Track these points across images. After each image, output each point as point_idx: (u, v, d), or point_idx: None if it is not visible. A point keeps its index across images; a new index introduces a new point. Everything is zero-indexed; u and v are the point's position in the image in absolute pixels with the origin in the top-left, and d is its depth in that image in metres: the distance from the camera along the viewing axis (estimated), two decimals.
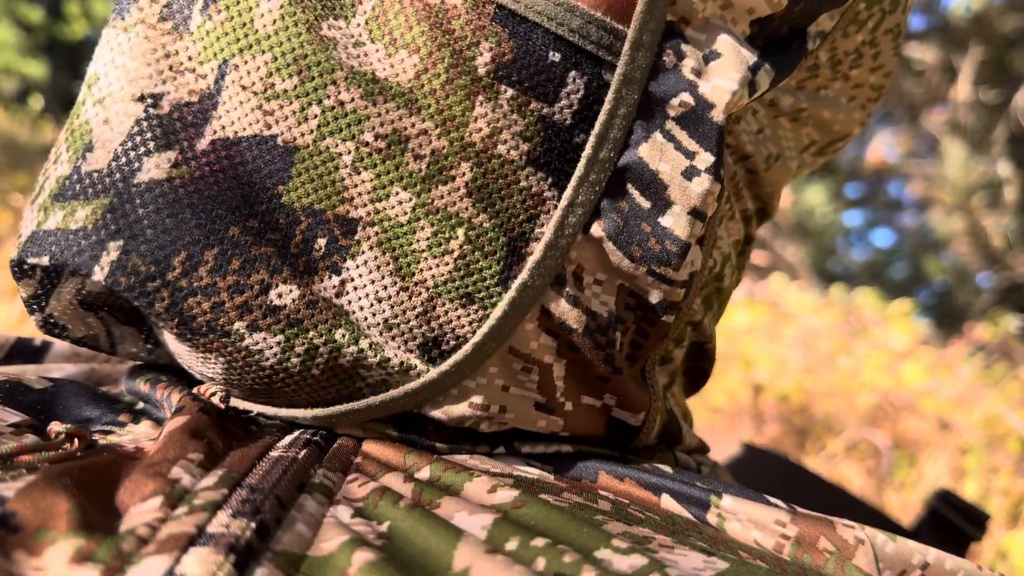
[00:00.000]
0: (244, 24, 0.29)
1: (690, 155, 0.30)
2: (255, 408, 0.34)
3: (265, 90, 0.29)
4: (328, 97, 0.28)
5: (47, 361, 0.42)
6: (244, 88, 0.29)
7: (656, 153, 0.30)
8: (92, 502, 0.24)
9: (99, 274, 0.28)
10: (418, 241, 0.29)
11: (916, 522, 0.72)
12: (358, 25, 0.29)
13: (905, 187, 6.48)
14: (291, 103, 0.28)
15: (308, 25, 0.29)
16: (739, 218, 0.41)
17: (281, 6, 0.29)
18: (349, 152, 0.29)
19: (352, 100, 0.29)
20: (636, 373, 0.36)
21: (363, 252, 0.29)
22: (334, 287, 0.30)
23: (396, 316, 0.30)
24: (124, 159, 0.28)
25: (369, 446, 0.32)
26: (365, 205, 0.29)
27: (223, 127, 0.29)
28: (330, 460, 0.30)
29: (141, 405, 0.36)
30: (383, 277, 0.30)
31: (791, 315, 2.68)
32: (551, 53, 0.29)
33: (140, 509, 0.24)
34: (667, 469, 0.34)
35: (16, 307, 1.69)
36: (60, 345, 0.43)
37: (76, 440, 0.28)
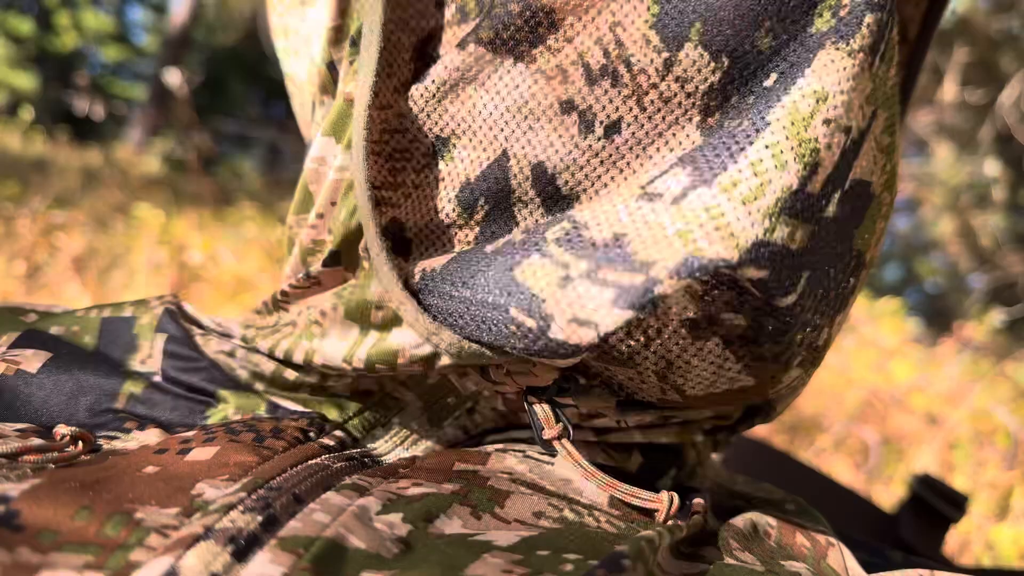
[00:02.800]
0: (885, 81, 0.30)
1: None
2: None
3: (880, 143, 0.31)
4: (893, 159, 0.32)
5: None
6: (875, 138, 0.31)
7: None
8: (102, 508, 0.24)
9: (789, 299, 0.28)
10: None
11: (898, 506, 0.73)
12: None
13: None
14: (882, 159, 0.31)
15: (896, 92, 0.32)
16: None
17: (894, 74, 0.31)
18: (887, 203, 0.33)
19: (896, 163, 0.33)
20: None
21: (859, 289, 0.34)
22: (839, 323, 0.33)
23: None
24: (826, 189, 0.28)
25: (423, 461, 0.32)
26: (874, 249, 0.33)
27: (859, 169, 0.30)
28: (372, 471, 0.30)
29: (152, 369, 0.35)
30: (847, 310, 0.34)
31: None
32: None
33: (156, 513, 0.24)
34: None
35: None
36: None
37: (81, 443, 0.28)
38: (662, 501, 0.30)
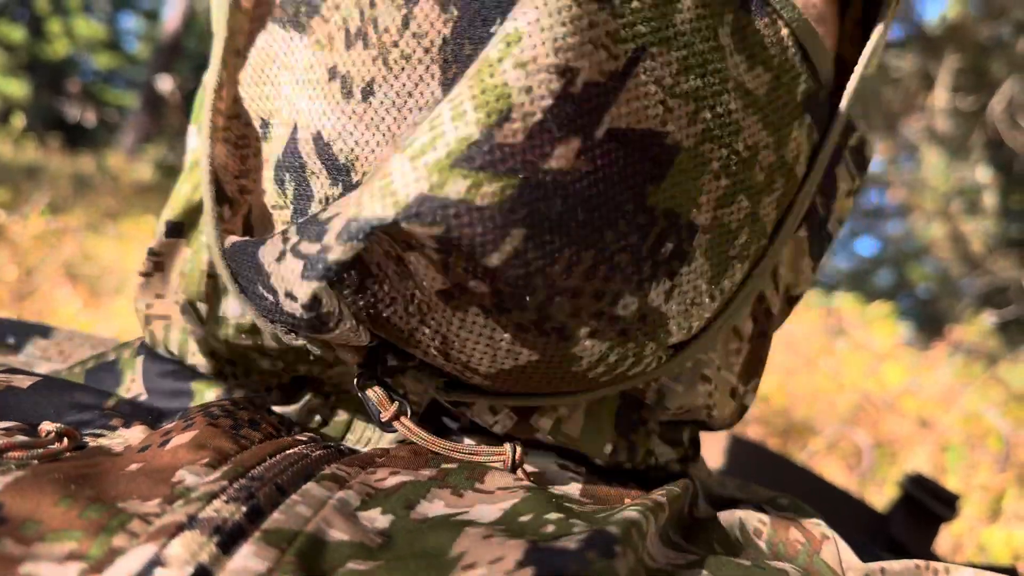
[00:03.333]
0: (666, 15, 0.27)
1: (853, 179, 0.38)
2: (462, 398, 0.32)
3: (673, 86, 0.27)
4: (720, 105, 0.28)
5: (23, 353, 0.42)
6: (656, 80, 0.27)
7: (842, 174, 0.37)
8: (84, 497, 0.24)
9: (495, 259, 0.26)
10: (734, 248, 0.31)
11: (891, 505, 0.73)
12: (726, 35, 0.29)
13: (885, 194, 6.52)
14: (688, 104, 0.28)
15: (713, 31, 0.28)
16: None
17: (696, 6, 0.28)
18: (720, 159, 0.29)
19: (736, 110, 0.29)
20: None
21: (696, 258, 0.29)
22: (665, 292, 0.29)
23: (699, 321, 0.32)
24: (539, 139, 0.25)
25: (397, 450, 0.32)
26: (709, 211, 0.29)
27: (620, 116, 0.27)
28: (350, 460, 0.30)
29: (137, 394, 0.35)
30: (701, 283, 0.30)
31: None
32: (821, 93, 0.34)
33: (138, 505, 0.24)
34: None
35: None
36: (59, 333, 0.43)
37: (66, 439, 0.28)
38: (506, 452, 0.30)
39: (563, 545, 0.23)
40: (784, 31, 0.30)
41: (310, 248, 0.26)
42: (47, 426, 0.28)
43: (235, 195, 0.34)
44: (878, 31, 0.34)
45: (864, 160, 0.39)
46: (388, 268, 0.28)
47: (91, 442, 0.29)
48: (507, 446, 0.31)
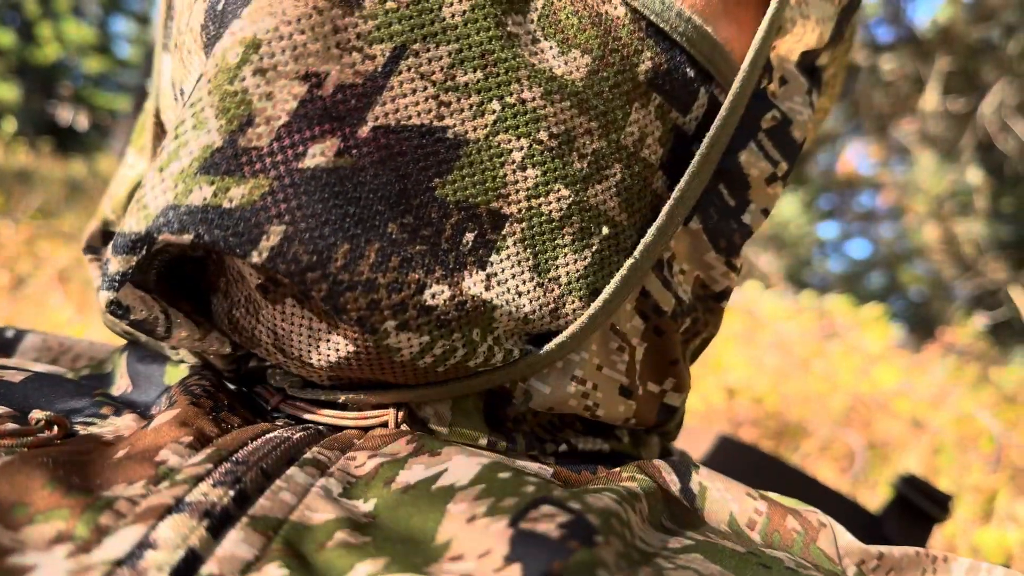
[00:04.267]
0: (431, 10, 0.27)
1: (775, 163, 0.35)
2: (332, 410, 0.33)
3: (445, 80, 0.27)
4: (511, 95, 0.28)
5: (18, 354, 0.42)
6: (422, 76, 0.27)
7: (751, 159, 0.34)
8: (72, 480, 0.24)
9: (256, 258, 0.26)
10: (563, 237, 0.30)
11: (884, 506, 0.73)
12: (532, 21, 0.29)
13: (877, 197, 6.54)
14: (470, 97, 0.28)
15: (496, 20, 0.28)
16: None
17: None
18: (521, 149, 0.29)
19: (534, 99, 0.29)
20: (687, 357, 0.39)
21: (507, 247, 0.29)
22: (482, 282, 0.29)
23: (533, 311, 0.31)
24: (288, 140, 0.26)
25: (375, 432, 0.32)
26: (520, 202, 0.29)
27: (386, 113, 0.27)
28: (329, 441, 0.30)
29: (125, 390, 0.36)
30: (523, 272, 0.30)
31: (766, 322, 2.70)
32: (689, 69, 0.32)
33: (124, 489, 0.24)
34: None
35: None
36: (31, 339, 0.43)
37: (56, 427, 0.28)
38: (390, 413, 0.32)
39: (544, 530, 0.23)
40: (617, 10, 0.30)
41: (104, 258, 0.28)
42: (37, 414, 0.28)
43: None
44: (775, 2, 0.33)
45: (790, 141, 0.35)
46: (232, 271, 0.29)
47: (81, 430, 0.29)
48: (391, 410, 0.32)
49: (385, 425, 0.32)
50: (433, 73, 0.27)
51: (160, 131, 0.36)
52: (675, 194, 0.32)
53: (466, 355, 0.30)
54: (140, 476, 0.24)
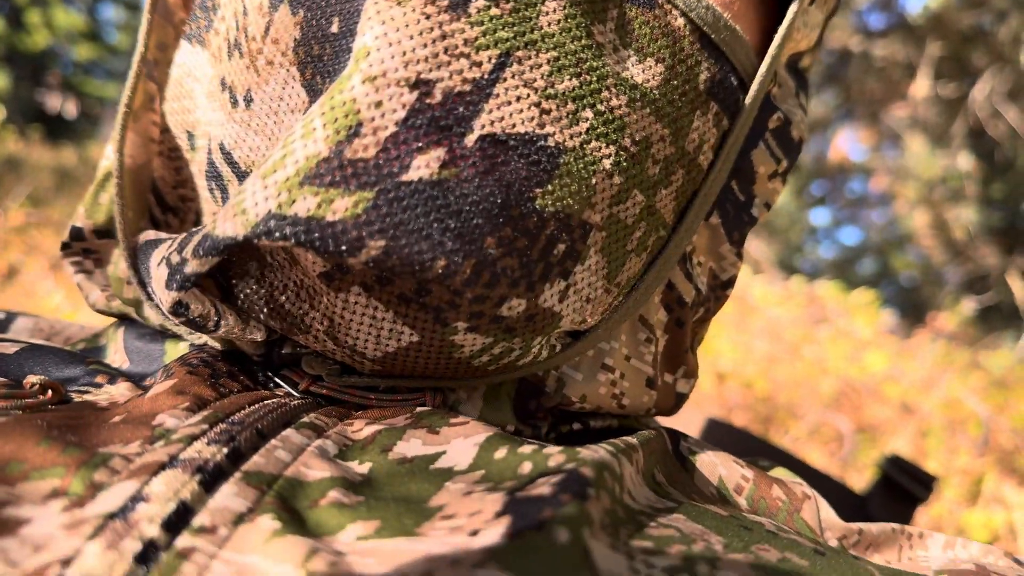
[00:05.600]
0: (530, 18, 0.27)
1: (778, 161, 0.36)
2: (368, 382, 0.33)
3: (546, 88, 0.27)
4: (602, 102, 0.28)
5: (10, 335, 0.42)
6: (526, 84, 0.27)
7: (761, 157, 0.35)
8: (67, 439, 0.24)
9: (354, 263, 0.26)
10: (631, 242, 0.31)
11: (869, 486, 0.74)
12: (611, 31, 0.29)
13: (868, 182, 6.55)
14: (567, 104, 0.28)
15: (587, 29, 0.28)
16: None
17: (564, 6, 0.28)
18: (610, 156, 0.29)
19: (620, 106, 0.29)
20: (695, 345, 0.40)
21: (590, 256, 0.29)
22: (559, 292, 0.29)
23: (594, 316, 0.32)
24: (395, 151, 0.25)
25: (376, 402, 0.33)
26: (604, 210, 0.29)
27: (492, 122, 0.26)
28: (328, 409, 0.30)
29: (122, 364, 0.36)
30: (597, 280, 0.30)
31: (757, 308, 2.71)
32: (732, 79, 0.33)
33: (119, 448, 0.24)
34: None
35: None
36: (23, 321, 0.43)
37: (50, 392, 0.28)
38: (425, 397, 0.32)
39: (539, 492, 0.23)
40: (679, 21, 0.30)
41: (176, 258, 0.27)
42: (32, 379, 0.28)
43: (177, 204, 0.35)
44: (792, 10, 0.34)
45: (791, 141, 0.37)
46: (279, 255, 0.29)
47: (76, 397, 0.30)
48: (427, 393, 0.32)
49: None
50: (535, 80, 0.27)
51: (164, 122, 0.35)
52: (703, 189, 0.33)
53: (520, 355, 0.31)
54: (136, 437, 0.25)
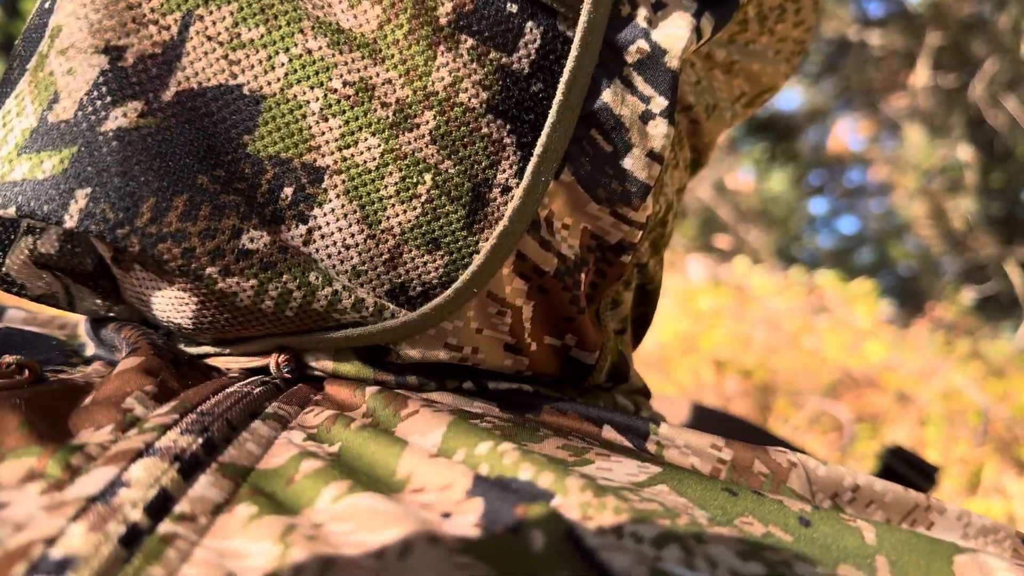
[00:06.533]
0: None
1: (646, 99, 0.32)
2: (223, 357, 0.34)
3: (231, 40, 0.28)
4: (296, 46, 0.29)
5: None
6: (209, 39, 0.28)
7: (618, 98, 0.31)
8: (43, 422, 0.24)
9: (69, 222, 0.27)
10: (386, 187, 0.30)
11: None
12: None
13: (867, 172, 6.55)
14: (257, 52, 0.29)
15: None
16: (682, 166, 0.42)
17: None
18: (317, 100, 0.29)
19: (320, 48, 0.29)
20: (592, 313, 0.37)
21: (330, 200, 0.30)
22: (301, 236, 0.30)
23: (364, 263, 0.30)
24: (91, 107, 0.27)
25: (330, 389, 0.33)
26: (333, 153, 0.29)
27: (187, 78, 0.28)
28: (287, 397, 0.31)
29: (92, 351, 0.36)
30: (350, 225, 0.30)
31: (755, 297, 2.71)
32: (508, 4, 0.30)
33: (92, 433, 0.25)
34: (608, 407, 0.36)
35: None
36: (14, 312, 0.43)
37: (27, 371, 0.29)
38: (272, 357, 0.33)
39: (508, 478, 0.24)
40: None
41: None
42: (7, 358, 0.29)
43: None
44: None
45: (667, 73, 0.32)
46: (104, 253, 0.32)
47: (51, 377, 0.30)
48: (273, 354, 0.33)
49: (267, 368, 0.33)
50: (219, 34, 0.29)
51: None
52: (537, 150, 0.30)
53: (307, 298, 0.30)
54: (107, 421, 0.25)
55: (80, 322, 0.41)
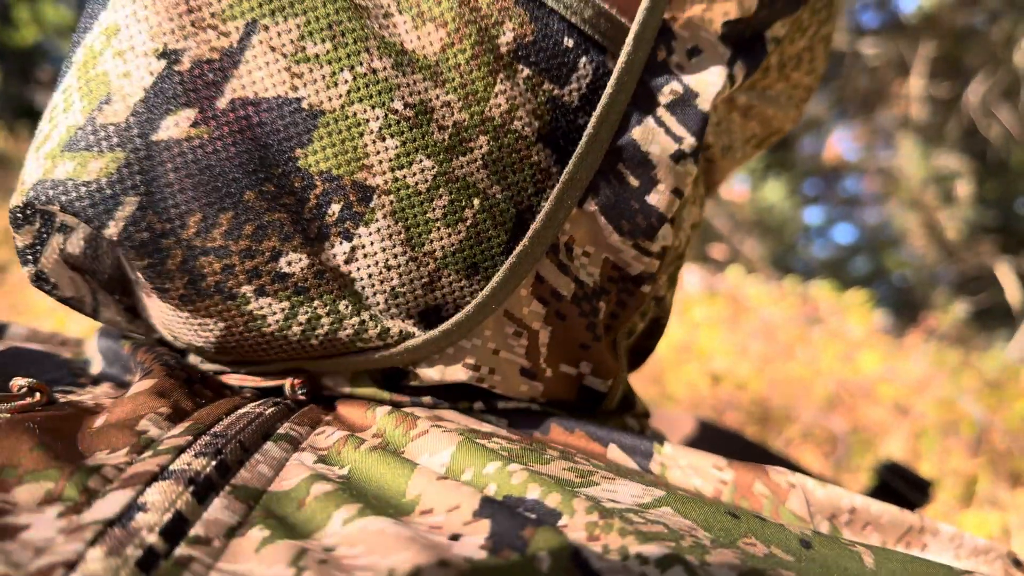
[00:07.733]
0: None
1: (679, 139, 0.33)
2: (238, 375, 0.34)
3: (295, 52, 0.28)
4: (361, 64, 0.29)
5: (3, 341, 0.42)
6: (273, 49, 0.28)
7: (648, 136, 0.32)
8: (58, 444, 0.25)
9: (113, 228, 0.28)
10: (433, 210, 0.30)
11: (866, 492, 0.73)
12: None
13: (862, 182, 6.57)
14: (321, 67, 0.28)
15: None
16: (698, 203, 0.43)
17: None
18: (377, 119, 0.29)
19: (384, 68, 0.29)
20: (609, 342, 0.38)
21: (376, 220, 0.29)
22: (344, 254, 0.30)
23: (403, 285, 0.31)
24: (144, 115, 0.28)
25: (341, 408, 0.33)
26: (384, 173, 0.29)
27: (243, 86, 0.28)
28: (299, 417, 0.31)
29: (99, 368, 0.36)
30: (394, 246, 0.30)
31: (750, 308, 2.71)
32: (566, 39, 0.31)
33: (107, 456, 0.25)
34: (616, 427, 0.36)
35: None
36: (16, 328, 0.43)
37: (38, 394, 0.29)
38: (287, 380, 0.33)
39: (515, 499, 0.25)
40: None
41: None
42: (19, 381, 0.29)
43: None
44: None
45: (698, 115, 0.33)
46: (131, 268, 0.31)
47: (61, 398, 0.30)
48: (288, 379, 0.33)
49: (282, 389, 0.33)
50: (283, 46, 0.28)
51: None
52: (563, 176, 0.31)
53: (334, 326, 0.30)
54: (122, 443, 0.26)
55: (86, 339, 0.41)
